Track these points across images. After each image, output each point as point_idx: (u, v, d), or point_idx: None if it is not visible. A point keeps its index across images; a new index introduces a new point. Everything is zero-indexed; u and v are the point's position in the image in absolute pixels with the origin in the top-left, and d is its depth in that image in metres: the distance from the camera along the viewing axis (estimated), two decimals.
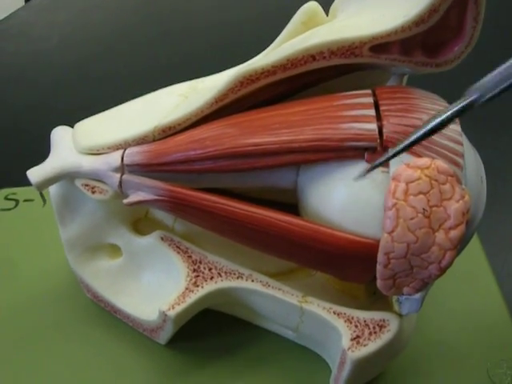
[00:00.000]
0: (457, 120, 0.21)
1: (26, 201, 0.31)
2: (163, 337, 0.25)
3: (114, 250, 0.26)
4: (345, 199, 0.21)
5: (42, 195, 0.31)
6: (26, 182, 0.31)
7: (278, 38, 0.24)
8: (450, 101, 0.22)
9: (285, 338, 0.27)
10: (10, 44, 0.40)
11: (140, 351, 0.26)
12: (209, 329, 0.27)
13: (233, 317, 0.27)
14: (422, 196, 0.19)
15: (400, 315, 0.23)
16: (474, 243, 0.31)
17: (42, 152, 0.25)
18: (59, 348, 0.26)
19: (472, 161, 0.21)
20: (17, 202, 0.31)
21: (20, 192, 0.31)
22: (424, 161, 0.20)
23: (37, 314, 0.27)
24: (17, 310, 0.27)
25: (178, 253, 0.24)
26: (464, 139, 0.21)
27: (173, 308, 0.23)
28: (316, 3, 0.24)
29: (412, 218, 0.19)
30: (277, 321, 0.25)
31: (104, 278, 0.26)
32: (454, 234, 0.19)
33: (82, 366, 0.26)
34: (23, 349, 0.26)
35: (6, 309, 0.28)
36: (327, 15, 0.25)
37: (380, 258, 0.20)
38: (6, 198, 0.31)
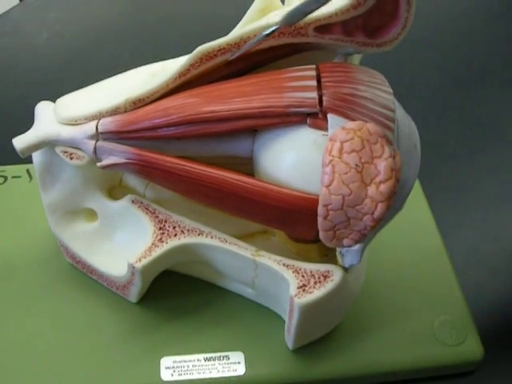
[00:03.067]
0: (390, 90, 0.24)
1: (14, 177, 0.34)
2: (133, 293, 0.28)
3: (91, 214, 0.29)
4: (291, 160, 0.23)
5: (28, 172, 0.34)
6: (13, 161, 0.34)
7: (239, 24, 0.27)
8: (389, 77, 0.25)
9: (245, 298, 0.29)
10: (4, 39, 0.44)
11: (113, 309, 0.29)
12: (176, 290, 0.30)
13: (197, 279, 0.30)
14: (354, 154, 0.22)
15: (344, 268, 0.25)
16: (421, 204, 0.34)
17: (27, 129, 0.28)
18: (40, 305, 0.29)
19: (405, 127, 0.24)
20: (5, 178, 0.34)
21: (8, 170, 0.34)
22: (357, 123, 0.22)
23: (22, 275, 0.30)
24: (5, 273, 0.30)
25: (147, 213, 0.26)
26: (398, 107, 0.24)
27: (140, 261, 0.25)
28: None
29: (346, 173, 0.22)
30: (234, 276, 0.27)
31: (81, 239, 0.28)
32: (384, 187, 0.22)
33: (60, 321, 0.28)
34: (7, 307, 0.29)
35: None
36: (283, 4, 0.28)
37: (320, 210, 0.23)
38: None
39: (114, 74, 0.28)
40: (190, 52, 0.27)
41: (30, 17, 0.45)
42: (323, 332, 0.28)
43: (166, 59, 0.28)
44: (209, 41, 0.25)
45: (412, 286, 0.30)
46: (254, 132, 0.25)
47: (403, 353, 0.28)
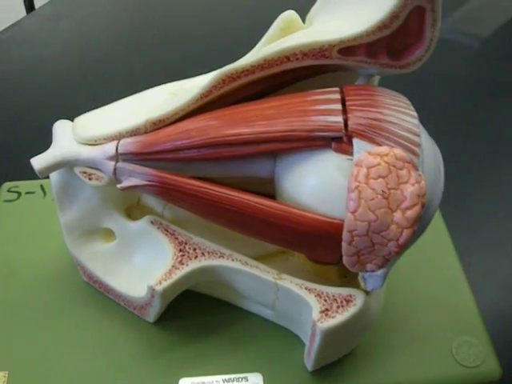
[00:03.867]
0: (415, 114, 0.24)
1: (27, 193, 0.34)
2: (151, 314, 0.27)
3: (109, 234, 0.28)
4: (314, 184, 0.23)
5: (42, 188, 0.33)
6: (27, 177, 0.34)
7: (259, 43, 0.27)
8: (402, 92, 0.25)
9: (264, 319, 0.29)
10: (15, 50, 0.43)
11: (130, 329, 0.29)
12: (193, 310, 0.29)
13: (216, 299, 0.29)
14: (381, 179, 0.22)
15: (366, 291, 0.25)
16: (439, 226, 0.34)
17: (43, 149, 0.27)
18: (55, 325, 0.28)
19: (430, 151, 0.24)
20: (19, 194, 0.34)
21: (22, 185, 0.34)
22: (383, 149, 0.22)
23: (37, 295, 0.30)
24: (19, 292, 0.30)
25: (166, 235, 0.26)
26: (422, 131, 0.24)
27: (160, 283, 0.25)
28: (294, 12, 0.27)
29: (372, 199, 0.22)
30: (255, 298, 0.27)
31: (99, 259, 0.28)
32: (410, 213, 0.22)
33: (75, 340, 0.28)
34: (23, 326, 0.29)
35: (10, 289, 0.30)
36: (304, 23, 0.27)
37: (344, 235, 0.22)
38: (9, 191, 0.34)
39: (127, 85, 0.28)
40: (203, 66, 0.27)
41: (41, 27, 0.44)
42: (342, 353, 0.28)
43: (180, 72, 0.28)
44: (225, 57, 0.25)
45: (430, 307, 0.30)
46: (275, 154, 0.25)
47: (421, 373, 0.28)
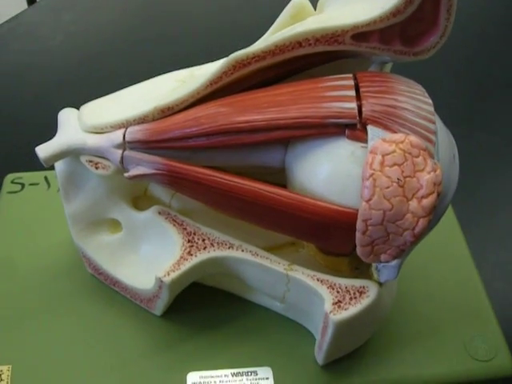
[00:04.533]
0: (430, 101, 0.23)
1: (31, 184, 0.33)
2: (159, 306, 0.27)
3: (115, 225, 0.28)
4: (328, 173, 0.23)
5: (46, 179, 0.33)
6: (31, 168, 0.34)
7: (269, 30, 0.26)
8: (426, 86, 0.25)
9: (273, 312, 0.28)
10: (18, 42, 0.43)
11: (137, 322, 0.28)
12: (201, 303, 0.29)
13: (224, 292, 0.29)
14: (396, 167, 0.21)
15: (379, 283, 0.24)
16: (451, 219, 0.33)
17: (46, 140, 0.27)
18: (60, 319, 0.28)
19: (444, 139, 0.23)
20: (23, 185, 0.33)
21: (26, 177, 0.33)
22: (399, 136, 0.22)
23: (40, 288, 0.29)
24: (23, 285, 0.29)
25: (174, 225, 0.26)
26: (437, 119, 0.23)
27: (168, 275, 0.24)
28: None
29: (387, 187, 0.21)
30: (264, 290, 0.26)
31: (105, 251, 0.27)
32: (426, 202, 0.21)
33: (82, 334, 0.28)
34: (27, 319, 0.28)
35: (14, 282, 0.29)
36: (315, 10, 0.27)
37: (359, 224, 0.22)
38: (13, 182, 0.33)
39: (132, 76, 0.27)
40: (211, 55, 0.26)
41: (43, 19, 0.44)
42: (354, 347, 0.27)
43: (186, 62, 0.27)
44: (232, 46, 0.24)
45: (442, 301, 0.29)
46: (286, 142, 0.24)
47: (433, 367, 0.27)
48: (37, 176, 0.33)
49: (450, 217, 0.33)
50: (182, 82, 0.25)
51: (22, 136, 0.36)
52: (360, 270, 0.27)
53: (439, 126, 0.23)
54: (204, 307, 0.29)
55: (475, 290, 0.30)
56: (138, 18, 0.46)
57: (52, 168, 0.28)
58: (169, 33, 0.46)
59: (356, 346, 0.27)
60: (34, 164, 0.34)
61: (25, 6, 0.53)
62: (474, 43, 0.47)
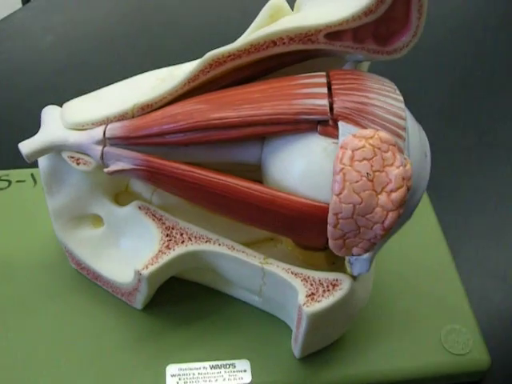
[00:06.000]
0: (401, 98, 0.24)
1: (18, 182, 0.33)
2: (139, 300, 0.27)
3: (97, 220, 0.28)
4: (301, 168, 0.23)
5: (33, 176, 0.34)
6: (18, 165, 0.34)
7: (248, 29, 0.27)
8: (396, 84, 0.25)
9: (251, 306, 0.29)
10: (9, 42, 0.44)
11: (118, 315, 0.29)
12: (181, 297, 0.29)
13: (204, 287, 0.30)
14: (365, 162, 0.22)
15: (352, 276, 0.25)
16: (429, 214, 0.34)
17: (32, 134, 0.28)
18: (43, 312, 0.29)
19: (415, 135, 0.24)
20: (9, 182, 0.34)
21: (12, 174, 0.34)
22: (368, 131, 0.22)
23: (25, 280, 0.30)
24: (8, 279, 0.30)
25: (153, 220, 0.26)
26: (408, 116, 0.24)
27: (146, 268, 0.25)
28: None
29: (357, 181, 0.22)
30: (242, 284, 0.27)
31: (86, 245, 0.28)
32: (395, 196, 0.22)
33: (63, 327, 0.28)
34: (10, 312, 0.29)
35: None
36: (292, 10, 0.27)
37: (330, 218, 0.22)
38: (0, 179, 0.34)
39: (120, 78, 0.28)
40: (195, 57, 0.27)
41: (34, 20, 0.45)
42: (330, 341, 0.28)
43: (171, 64, 0.28)
44: (215, 47, 0.25)
45: (418, 295, 0.30)
46: (262, 139, 0.25)
47: (410, 361, 0.28)
48: (23, 173, 0.34)
49: (428, 212, 0.33)
50: (161, 80, 0.26)
51: (9, 134, 0.37)
52: (336, 264, 0.28)
53: (411, 122, 0.24)
54: (184, 301, 0.29)
55: (452, 284, 0.30)
56: (127, 20, 0.47)
57: (37, 165, 0.29)
58: (159, 32, 0.47)
59: (332, 339, 0.28)
60: (22, 162, 0.35)
61: (19, 6, 0.53)
62: (460, 42, 0.48)
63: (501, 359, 0.29)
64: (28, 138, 0.26)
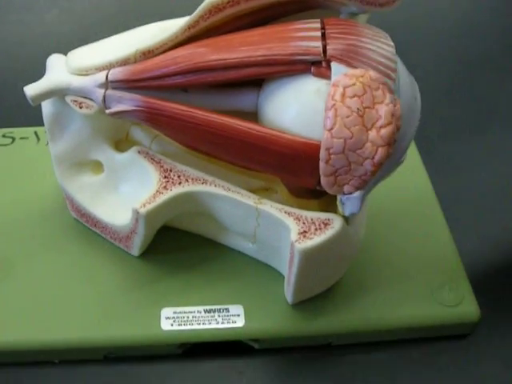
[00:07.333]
0: (392, 44, 0.25)
1: (21, 138, 0.35)
2: (136, 243, 0.28)
3: (97, 167, 0.29)
4: (295, 109, 0.24)
5: (36, 134, 0.34)
6: (22, 124, 0.35)
7: None
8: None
9: (246, 256, 0.30)
10: (15, 16, 0.45)
11: (115, 262, 0.30)
12: (178, 247, 0.30)
13: (200, 237, 0.30)
14: (356, 98, 0.23)
15: (344, 217, 0.26)
16: (420, 169, 0.35)
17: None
18: (42, 258, 0.29)
19: (406, 79, 0.25)
20: (13, 139, 0.35)
21: (16, 131, 0.35)
22: (359, 70, 0.23)
23: (26, 231, 0.31)
24: (8, 227, 0.31)
25: (152, 163, 0.27)
26: (399, 62, 0.25)
27: (144, 206, 0.26)
28: None
29: (348, 116, 0.23)
30: (236, 228, 0.27)
31: (87, 191, 0.29)
32: (385, 132, 0.23)
33: (61, 274, 0.29)
34: (11, 259, 0.29)
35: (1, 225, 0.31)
36: None
37: (322, 153, 0.23)
38: (4, 136, 0.35)
39: None
40: None
41: None
42: (322, 288, 0.28)
43: None
44: None
45: (410, 249, 0.31)
46: (259, 86, 0.26)
47: (401, 311, 0.28)
48: (27, 131, 0.35)
49: (420, 173, 0.34)
50: (164, 29, 0.27)
51: (15, 97, 0.38)
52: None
53: (401, 67, 0.25)
54: (179, 251, 0.30)
55: (444, 240, 0.31)
56: None
57: (42, 124, 0.30)
58: (164, 8, 0.48)
59: (324, 286, 0.28)
60: (26, 122, 0.36)
61: None
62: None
63: (490, 314, 0.30)
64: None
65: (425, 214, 0.32)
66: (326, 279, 0.28)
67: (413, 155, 0.35)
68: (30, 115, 0.36)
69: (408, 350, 0.29)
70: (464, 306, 0.29)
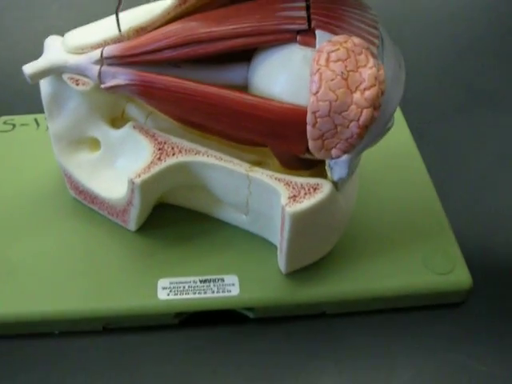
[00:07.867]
0: (376, 14, 0.26)
1: (22, 125, 0.36)
2: (133, 216, 0.29)
3: (95, 144, 0.30)
4: (282, 77, 0.25)
5: (36, 121, 0.35)
6: (22, 113, 0.36)
7: None
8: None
9: (241, 229, 0.30)
10: (15, 11, 0.47)
11: (113, 236, 0.30)
12: (173, 221, 0.31)
13: (194, 212, 0.31)
14: (340, 62, 0.24)
15: (333, 182, 0.26)
16: (410, 145, 0.36)
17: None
18: (41, 234, 0.30)
19: (390, 46, 0.26)
20: (14, 125, 0.36)
21: (17, 118, 0.36)
22: (343, 36, 0.24)
23: (25, 210, 0.31)
24: (9, 208, 0.32)
25: (146, 136, 0.28)
26: (383, 31, 0.26)
27: (139, 176, 0.27)
28: None
29: (332, 80, 0.23)
30: (229, 198, 0.28)
31: (85, 168, 0.30)
32: (369, 93, 0.24)
33: (60, 248, 0.30)
34: (12, 235, 0.30)
35: (3, 204, 0.32)
36: None
37: (308, 117, 0.24)
38: (5, 123, 0.36)
39: None
40: None
41: None
42: (315, 257, 0.29)
43: None
44: None
45: (401, 218, 0.31)
46: (248, 61, 0.27)
47: (393, 280, 0.29)
48: (27, 118, 0.36)
49: (411, 150, 0.35)
50: (156, 8, 0.28)
51: (15, 86, 0.39)
52: None
53: (385, 35, 0.26)
54: (175, 225, 0.31)
55: (434, 210, 0.32)
56: None
57: (41, 111, 0.31)
58: None
59: (317, 256, 0.29)
60: (26, 110, 0.37)
61: None
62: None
63: (482, 283, 0.30)
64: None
65: (415, 183, 0.33)
66: (318, 248, 0.28)
67: (401, 126, 0.36)
68: (30, 104, 0.37)
69: (401, 318, 0.29)
70: (455, 273, 0.29)
